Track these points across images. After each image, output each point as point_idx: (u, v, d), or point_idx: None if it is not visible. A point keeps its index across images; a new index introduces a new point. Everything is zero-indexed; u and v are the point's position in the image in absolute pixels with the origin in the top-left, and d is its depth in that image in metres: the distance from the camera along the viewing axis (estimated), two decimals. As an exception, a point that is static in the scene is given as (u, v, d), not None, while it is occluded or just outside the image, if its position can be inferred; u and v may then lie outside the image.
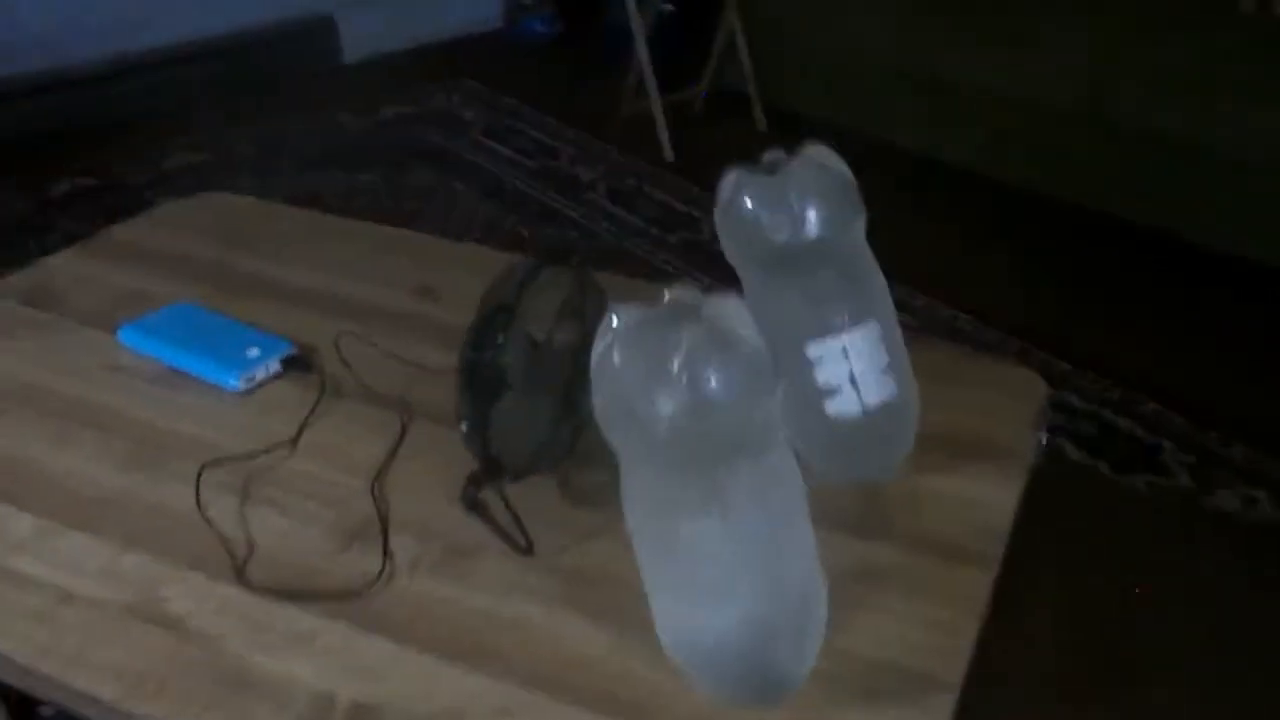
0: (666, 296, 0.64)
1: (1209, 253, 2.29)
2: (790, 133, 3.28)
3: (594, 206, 2.77)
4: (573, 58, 3.75)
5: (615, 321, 0.63)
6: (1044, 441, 0.90)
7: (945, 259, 2.45)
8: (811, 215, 0.78)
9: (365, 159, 3.03)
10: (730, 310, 0.62)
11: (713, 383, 0.60)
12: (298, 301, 1.06)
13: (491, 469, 0.79)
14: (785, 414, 0.79)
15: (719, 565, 0.63)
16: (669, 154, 2.93)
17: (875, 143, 2.80)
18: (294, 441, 0.89)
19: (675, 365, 0.59)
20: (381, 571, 0.77)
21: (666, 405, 0.60)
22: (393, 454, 0.88)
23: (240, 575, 0.77)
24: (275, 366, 0.96)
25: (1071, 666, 1.47)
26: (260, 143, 3.11)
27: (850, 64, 2.88)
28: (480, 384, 0.77)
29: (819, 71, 2.97)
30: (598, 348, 0.63)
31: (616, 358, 0.61)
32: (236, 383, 0.94)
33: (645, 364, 0.60)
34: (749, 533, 0.63)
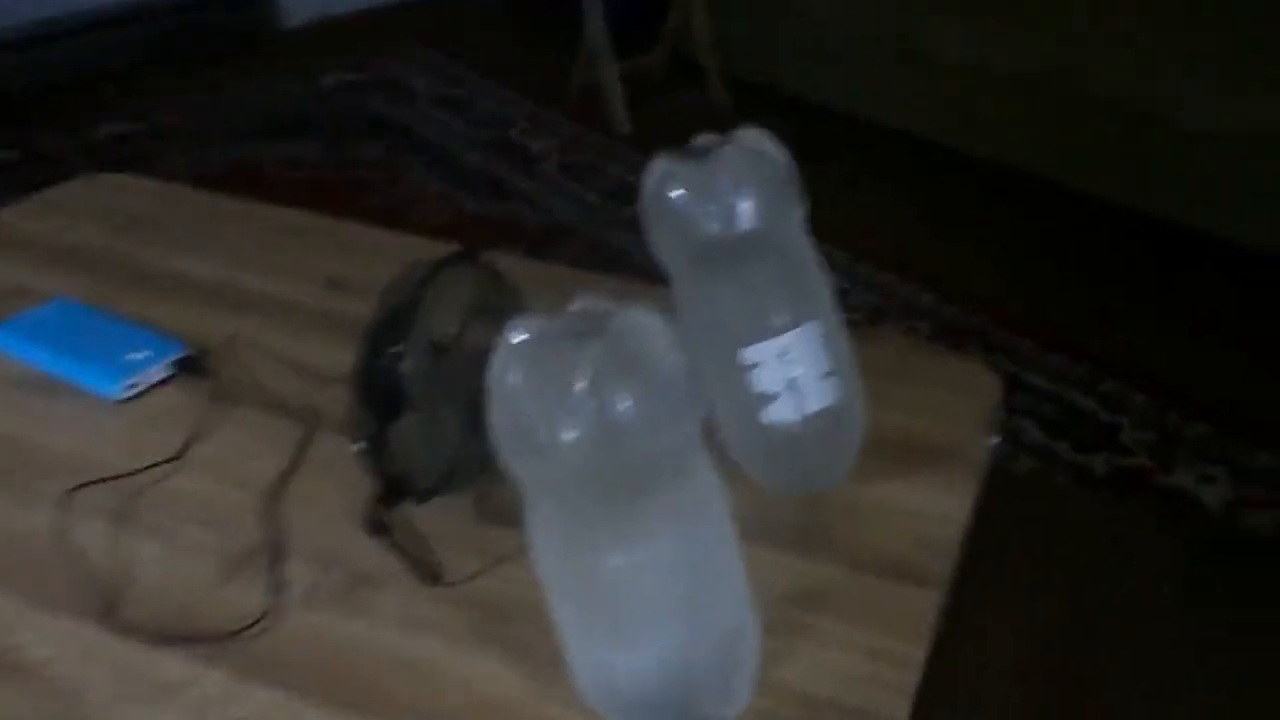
0: (573, 305, 0.56)
1: (1177, 228, 2.24)
2: (752, 105, 3.20)
3: (547, 180, 2.68)
4: (526, 24, 3.63)
5: (514, 336, 0.55)
6: (997, 445, 0.84)
7: (910, 234, 2.38)
8: (745, 206, 0.71)
9: (307, 128, 2.92)
10: (645, 322, 0.54)
11: (623, 407, 0.52)
12: (194, 296, 0.98)
13: (395, 490, 0.72)
14: (721, 422, 0.72)
15: (635, 605, 0.56)
16: (625, 126, 2.83)
17: (842, 116, 2.72)
18: (179, 457, 0.81)
19: (581, 387, 0.52)
20: (270, 607, 0.69)
21: (571, 433, 0.52)
22: (291, 470, 0.80)
23: (109, 615, 0.69)
24: (163, 370, 0.87)
25: (1034, 692, 1.40)
26: (195, 112, 2.99)
27: (818, 33, 2.79)
28: (378, 396, 0.69)
29: (784, 41, 2.88)
30: (493, 366, 0.55)
31: (514, 378, 0.54)
32: (117, 389, 0.85)
33: (547, 385, 0.53)
34: (668, 568, 0.56)
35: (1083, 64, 2.33)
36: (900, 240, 2.31)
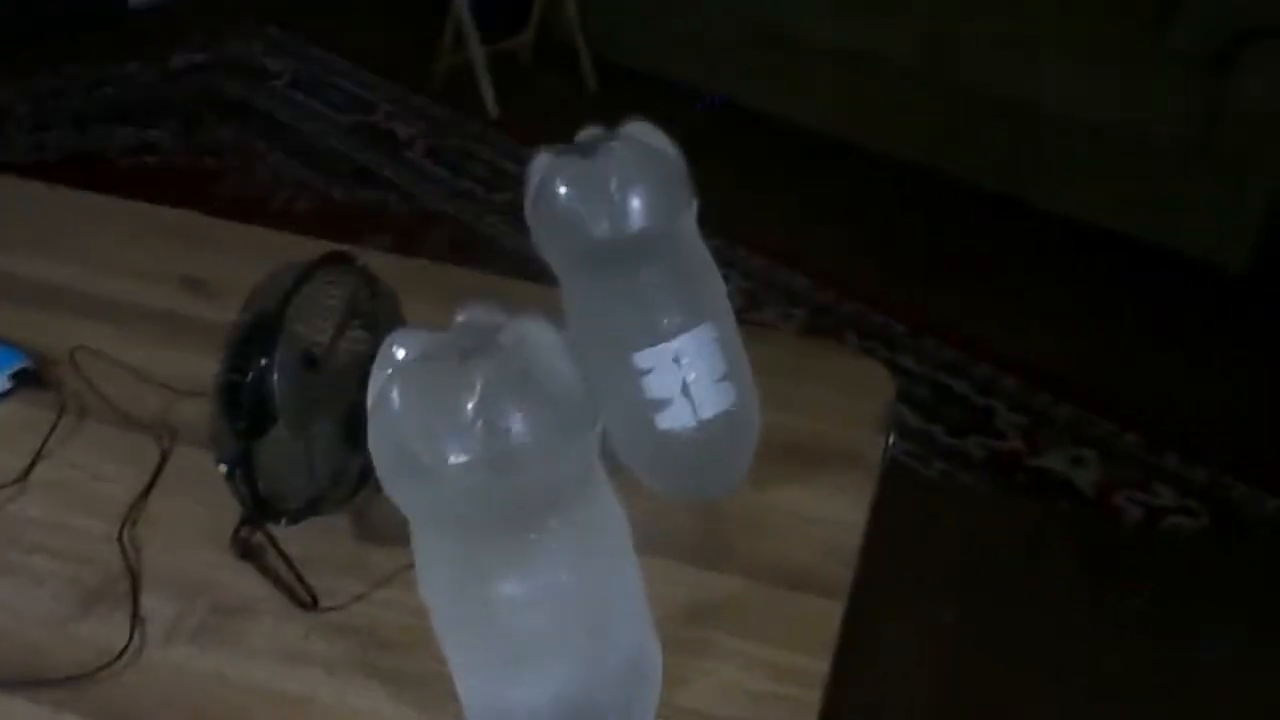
0: (460, 316, 0.52)
1: (1044, 213, 2.30)
2: (622, 89, 3.16)
3: (413, 166, 2.60)
4: (385, 4, 3.52)
5: (396, 353, 0.51)
6: (892, 444, 0.83)
7: (785, 221, 2.38)
8: (635, 204, 0.68)
9: (156, 113, 2.77)
10: (537, 336, 0.51)
11: (515, 430, 0.48)
12: (39, 301, 0.90)
13: (264, 511, 0.67)
14: (612, 428, 0.69)
15: (529, 637, 0.53)
16: (493, 110, 2.77)
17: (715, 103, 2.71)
18: (23, 479, 0.74)
19: (470, 409, 0.48)
20: (128, 644, 0.64)
21: (459, 456, 0.48)
22: (147, 490, 0.74)
23: (-55, 659, 0.62)
24: (3, 384, 0.80)
25: (945, 696, 1.41)
26: (36, 97, 2.81)
27: (689, 17, 2.76)
28: (244, 412, 0.64)
29: (654, 25, 2.84)
30: (374, 385, 0.51)
31: (396, 399, 0.50)
32: (-48, 407, 0.78)
33: (432, 407, 0.49)
34: (563, 598, 0.53)
35: (954, 51, 2.37)
36: (773, 225, 2.31)
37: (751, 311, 2.08)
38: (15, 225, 1.01)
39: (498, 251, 2.27)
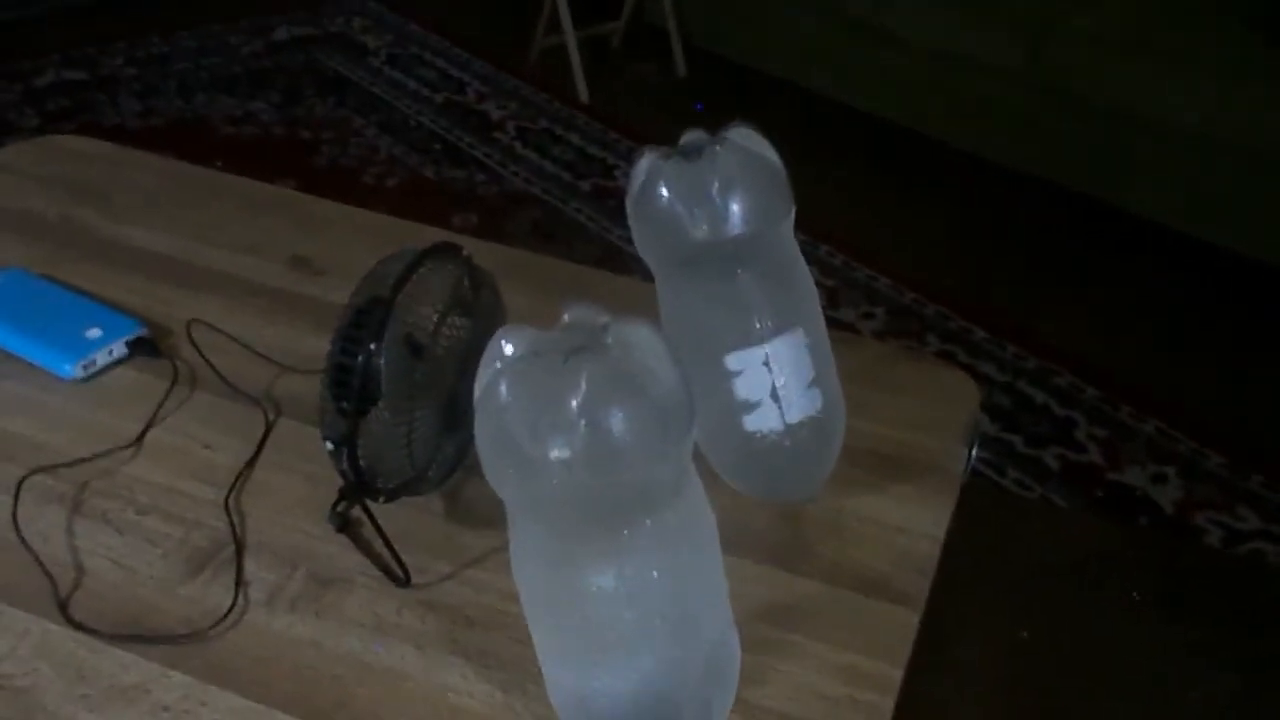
0: (565, 318, 0.54)
1: (1140, 221, 2.26)
2: (713, 78, 3.17)
3: (502, 147, 2.63)
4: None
5: (504, 348, 0.53)
6: (975, 456, 0.83)
7: (869, 219, 2.38)
8: (735, 209, 0.69)
9: (257, 84, 2.85)
10: (641, 339, 0.53)
11: (617, 430, 0.50)
12: (152, 271, 0.94)
13: (363, 488, 0.69)
14: (700, 426, 0.71)
15: (616, 630, 0.55)
16: (583, 94, 2.79)
17: (804, 94, 2.70)
18: (137, 442, 0.78)
19: (573, 407, 0.50)
20: (232, 607, 0.67)
21: (561, 454, 0.50)
22: (253, 460, 0.77)
23: (63, 610, 0.66)
24: (120, 350, 0.84)
25: (1015, 713, 1.40)
26: (142, 62, 2.90)
27: (783, 7, 2.76)
28: (351, 394, 0.67)
29: (748, 12, 2.84)
30: (482, 378, 0.53)
31: (504, 393, 0.52)
32: (72, 370, 0.82)
33: (538, 403, 0.51)
34: (652, 594, 0.54)
35: (1052, 52, 2.33)
36: (857, 223, 2.30)
37: (830, 310, 2.08)
38: (128, 194, 1.05)
39: (582, 236, 2.30)
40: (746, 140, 0.72)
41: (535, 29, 2.91)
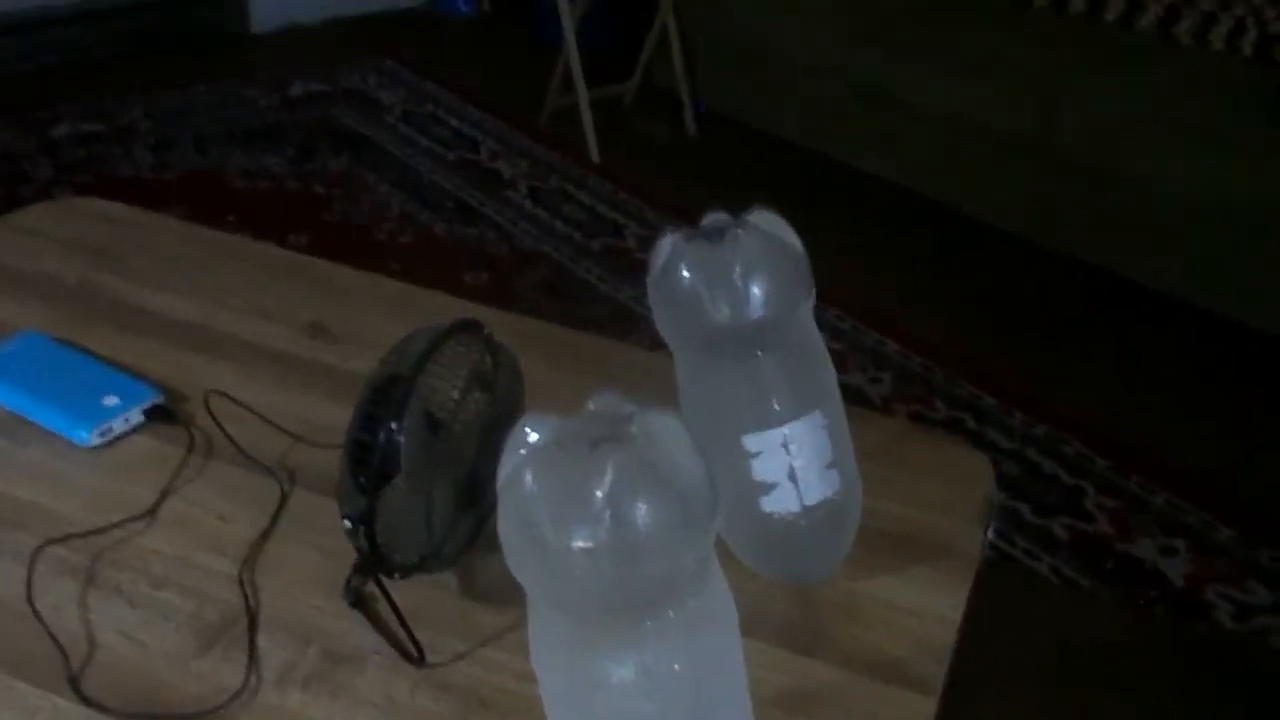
0: (590, 405, 0.54)
1: (1150, 291, 2.26)
2: (722, 139, 3.19)
3: (514, 206, 2.65)
4: (499, 40, 3.61)
5: (528, 436, 0.53)
6: (991, 536, 0.83)
7: (878, 284, 2.39)
8: (757, 293, 0.69)
9: (272, 139, 2.88)
10: (666, 429, 0.53)
11: (642, 521, 0.50)
12: (169, 336, 0.94)
13: (379, 564, 0.69)
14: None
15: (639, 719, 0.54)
16: (595, 153, 2.82)
17: (812, 156, 2.72)
18: (152, 512, 0.78)
19: (599, 497, 0.50)
20: (245, 685, 0.66)
21: (585, 544, 0.50)
22: (267, 532, 0.77)
23: (75, 686, 0.65)
24: (136, 418, 0.84)
25: None
26: (158, 115, 2.93)
27: (792, 72, 2.79)
28: (372, 470, 0.67)
29: (757, 76, 2.88)
30: (506, 465, 0.53)
31: (529, 481, 0.52)
32: (89, 437, 0.82)
33: (563, 493, 0.51)
34: (673, 686, 0.54)
35: (1058, 124, 2.36)
36: (865, 287, 2.31)
37: (838, 373, 2.08)
38: (146, 257, 1.05)
39: (592, 296, 2.30)
40: (768, 224, 0.72)
41: (549, 89, 2.94)
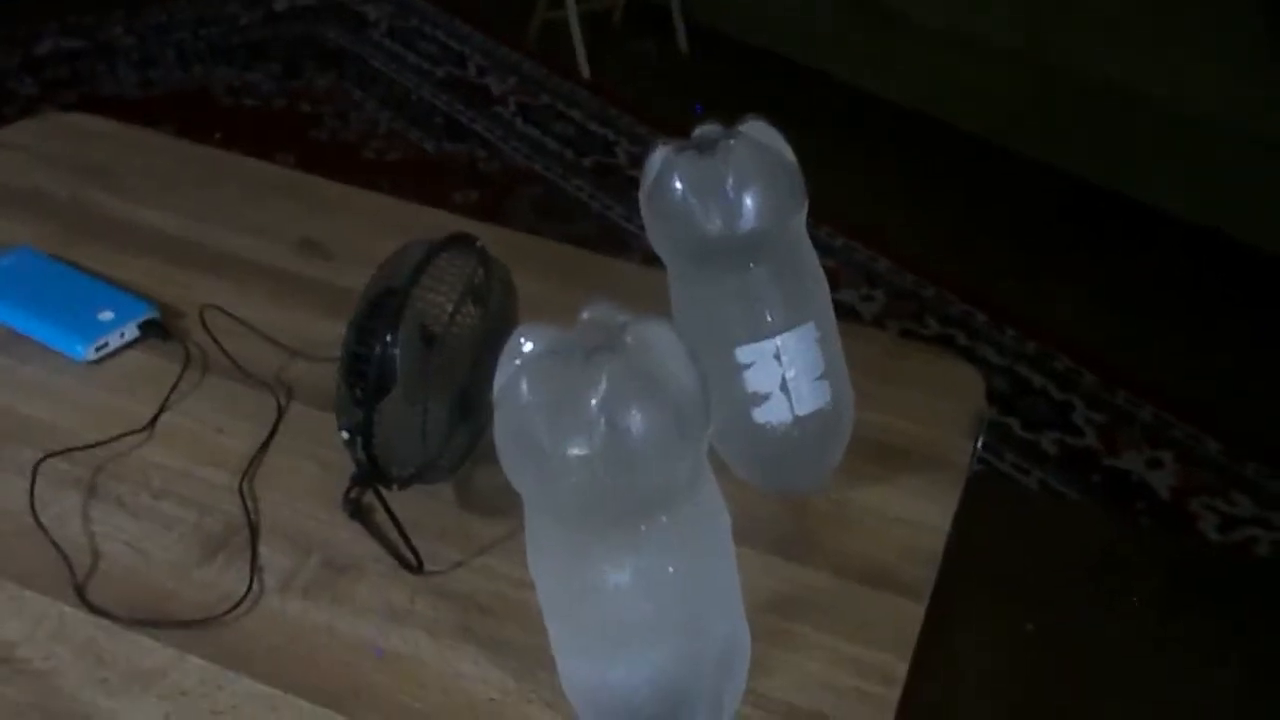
0: (584, 315, 0.55)
1: (1143, 206, 2.26)
2: (713, 55, 3.14)
3: (504, 123, 2.63)
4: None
5: (523, 345, 0.53)
6: (980, 448, 0.84)
7: (871, 200, 2.38)
8: (749, 204, 0.69)
9: (257, 55, 2.83)
10: (659, 338, 0.53)
11: (636, 429, 0.51)
12: (162, 252, 0.94)
13: (376, 475, 0.70)
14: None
15: (631, 624, 0.56)
16: (585, 70, 2.78)
17: (806, 72, 2.69)
18: (150, 426, 0.78)
19: (593, 405, 0.51)
20: (248, 592, 0.68)
21: (580, 451, 0.51)
22: (266, 444, 0.78)
23: (80, 594, 0.67)
24: (131, 332, 0.84)
25: (1003, 707, 1.40)
26: (141, 31, 2.88)
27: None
28: (368, 384, 0.67)
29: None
30: (502, 375, 0.54)
31: (524, 390, 0.52)
32: (85, 351, 0.82)
33: (558, 401, 0.51)
34: (667, 589, 0.55)
35: (1051, 38, 2.33)
36: (858, 204, 2.30)
37: (830, 291, 2.08)
38: (136, 174, 1.05)
39: (583, 214, 2.29)
40: (760, 134, 0.72)
41: (536, 2, 2.90)
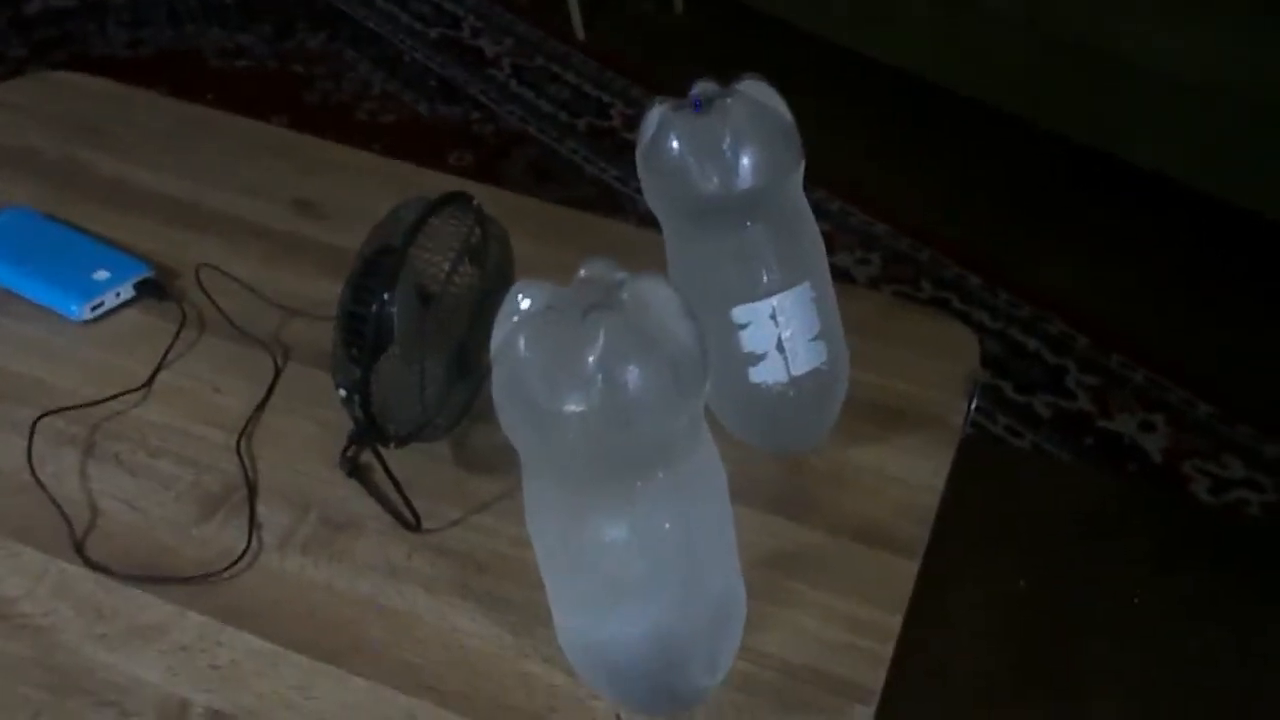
0: (582, 273, 0.55)
1: (1138, 171, 2.25)
2: (710, 17, 3.11)
3: (498, 85, 2.61)
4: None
5: (521, 303, 0.53)
6: (974, 408, 0.84)
7: (866, 164, 2.37)
8: (746, 163, 0.69)
9: (248, 14, 2.80)
10: (657, 295, 0.53)
11: (633, 385, 0.51)
12: (157, 212, 0.94)
13: (374, 434, 0.70)
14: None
15: (628, 579, 0.56)
16: (580, 32, 2.76)
17: (802, 35, 2.67)
18: (147, 385, 0.78)
19: (591, 362, 0.51)
20: (246, 549, 0.68)
21: (578, 407, 0.51)
22: (263, 404, 0.78)
23: (80, 551, 0.67)
24: (127, 292, 0.84)
25: (996, 664, 1.41)
26: (133, -9, 2.85)
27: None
28: (365, 342, 0.68)
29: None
30: (499, 331, 0.54)
31: (521, 347, 0.52)
32: (80, 311, 0.82)
33: (556, 357, 0.52)
34: (664, 545, 0.56)
35: (1049, 4, 2.32)
36: (853, 167, 2.29)
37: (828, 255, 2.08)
38: (130, 133, 1.04)
39: (578, 176, 2.28)
40: (757, 92, 0.72)
41: (531, -37, 2.87)
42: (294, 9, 2.87)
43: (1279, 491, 1.70)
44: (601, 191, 2.20)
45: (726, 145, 0.69)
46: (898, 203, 2.26)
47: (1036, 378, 1.88)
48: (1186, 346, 1.95)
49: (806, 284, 0.73)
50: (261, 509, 0.71)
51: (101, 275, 0.84)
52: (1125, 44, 2.22)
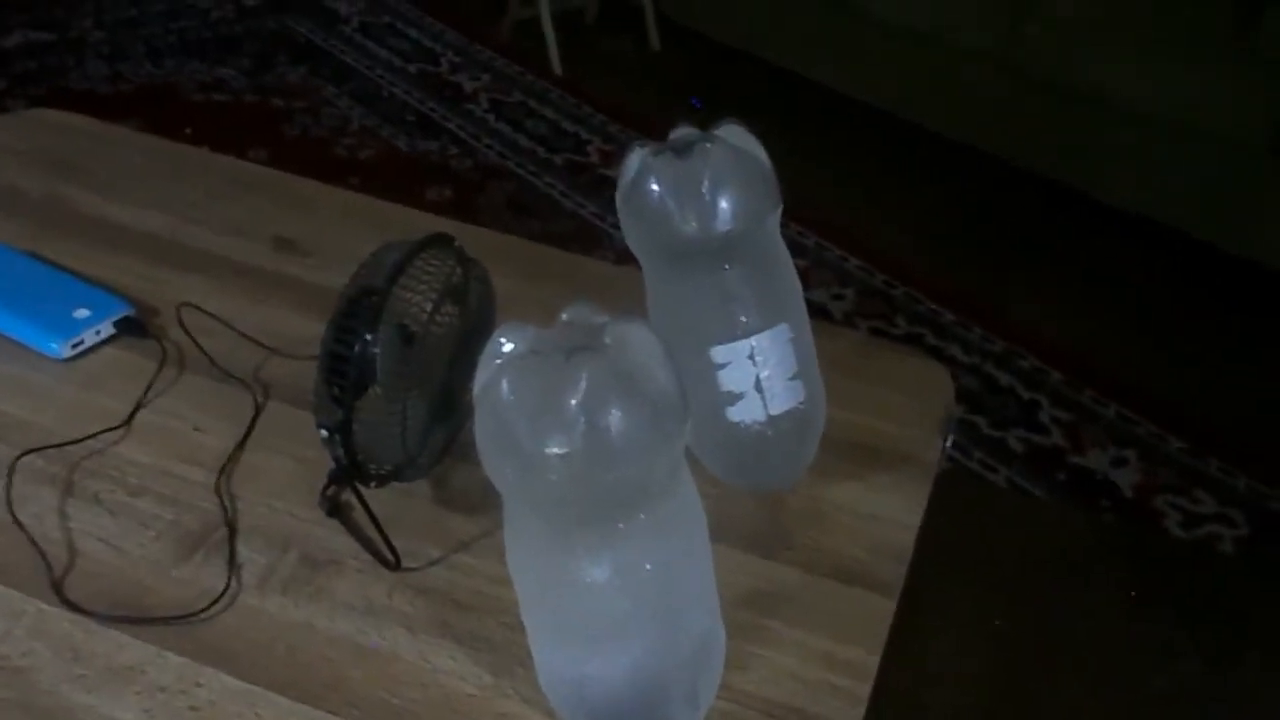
0: (564, 316, 0.56)
1: (1110, 208, 2.29)
2: (685, 52, 3.15)
3: (476, 120, 2.63)
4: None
5: (504, 345, 0.54)
6: (949, 446, 0.86)
7: (841, 199, 2.40)
8: (724, 206, 0.70)
9: (227, 49, 2.82)
10: (638, 338, 0.54)
11: (615, 428, 0.52)
12: (137, 250, 0.94)
13: (354, 473, 0.71)
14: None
15: (609, 619, 0.57)
16: (557, 67, 2.79)
17: (777, 71, 2.71)
18: (127, 423, 0.78)
19: (573, 405, 0.51)
20: (225, 589, 0.68)
21: (560, 449, 0.52)
22: (243, 442, 0.78)
23: (58, 591, 0.67)
24: (107, 330, 0.84)
25: (974, 700, 1.43)
26: (111, 25, 2.85)
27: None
28: (347, 383, 0.68)
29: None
30: (483, 374, 0.55)
31: (505, 389, 0.53)
32: (60, 349, 0.82)
33: (538, 400, 0.52)
34: (645, 585, 0.56)
35: (1022, 39, 2.36)
36: (828, 203, 2.32)
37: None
38: (112, 171, 1.04)
39: (556, 211, 2.30)
40: (736, 138, 0.73)
41: (510, 1, 2.90)
42: (273, 43, 2.88)
43: (1250, 526, 1.72)
44: (579, 226, 2.21)
45: (705, 189, 0.71)
46: (873, 239, 2.28)
47: (1010, 413, 1.90)
48: (1157, 381, 1.98)
49: (784, 324, 0.74)
50: (241, 548, 0.71)
51: (82, 313, 0.84)
52: (1099, 82, 2.26)
